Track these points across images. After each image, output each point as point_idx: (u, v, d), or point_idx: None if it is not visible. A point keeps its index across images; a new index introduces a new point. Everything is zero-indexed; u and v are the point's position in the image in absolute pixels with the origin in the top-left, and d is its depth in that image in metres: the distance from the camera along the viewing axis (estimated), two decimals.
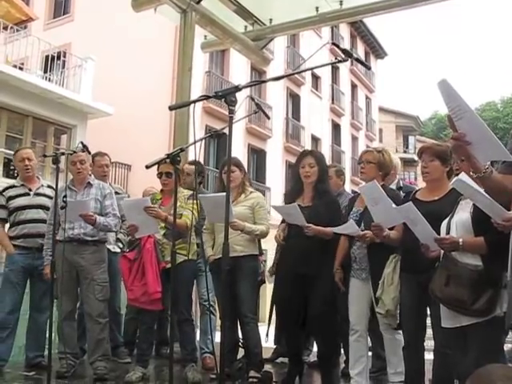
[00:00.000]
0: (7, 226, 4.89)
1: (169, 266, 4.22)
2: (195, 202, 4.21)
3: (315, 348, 4.98)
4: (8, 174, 12.64)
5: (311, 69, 2.71)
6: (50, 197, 4.86)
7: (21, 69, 13.56)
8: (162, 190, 4.56)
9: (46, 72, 14.51)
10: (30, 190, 4.87)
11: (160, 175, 4.42)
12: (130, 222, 4.29)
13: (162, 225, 4.34)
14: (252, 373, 4.33)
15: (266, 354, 4.68)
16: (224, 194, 4.11)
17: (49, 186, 4.98)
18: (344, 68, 28.70)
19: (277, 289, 4.37)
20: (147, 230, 4.26)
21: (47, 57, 14.76)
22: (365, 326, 3.93)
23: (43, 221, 4.73)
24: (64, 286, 4.44)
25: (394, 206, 3.38)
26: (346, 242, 4.00)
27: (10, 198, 4.83)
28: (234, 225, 4.14)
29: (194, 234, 4.45)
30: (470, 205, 2.90)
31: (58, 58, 14.89)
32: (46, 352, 4.63)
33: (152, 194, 4.71)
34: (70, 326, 4.59)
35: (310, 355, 5.22)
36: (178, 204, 4.01)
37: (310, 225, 3.98)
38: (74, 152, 3.84)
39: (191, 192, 4.45)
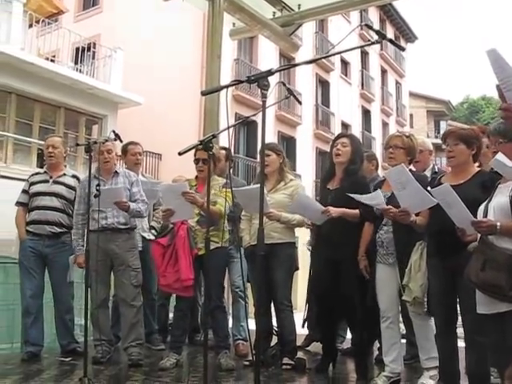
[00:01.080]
0: None
1: (201, 252, 4.25)
2: (228, 189, 4.20)
3: (349, 335, 4.97)
4: (42, 164, 12.81)
5: (342, 52, 2.66)
6: (69, 186, 4.94)
7: (52, 61, 13.74)
8: (196, 177, 4.56)
9: (76, 63, 14.67)
10: (51, 177, 4.95)
11: (197, 161, 4.41)
12: (166, 206, 4.31)
13: (196, 211, 4.34)
14: (285, 360, 4.34)
15: (299, 341, 4.67)
16: (257, 186, 4.13)
17: (73, 176, 5.06)
18: (374, 53, 28.32)
19: (311, 275, 4.35)
20: (182, 215, 4.26)
21: (77, 48, 14.90)
22: (396, 312, 3.87)
23: (55, 209, 4.82)
24: (98, 275, 4.51)
25: (427, 189, 3.32)
26: (370, 228, 3.93)
27: (32, 183, 4.95)
28: (269, 215, 4.13)
29: (227, 221, 4.46)
30: (509, 189, 2.84)
31: (88, 49, 15.03)
32: (80, 339, 4.77)
33: (187, 181, 4.73)
34: (104, 313, 4.67)
35: (344, 342, 5.20)
36: (213, 192, 4.02)
37: (328, 208, 3.96)
38: (107, 141, 3.88)
39: (225, 180, 4.45)
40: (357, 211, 3.97)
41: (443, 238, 3.21)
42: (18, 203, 4.97)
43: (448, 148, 3.44)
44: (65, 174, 5.01)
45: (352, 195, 3.75)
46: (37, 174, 5.11)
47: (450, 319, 3.41)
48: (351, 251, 3.97)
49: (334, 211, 3.98)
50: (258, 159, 4.63)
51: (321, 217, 4.06)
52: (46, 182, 4.93)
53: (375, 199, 3.70)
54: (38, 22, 13.30)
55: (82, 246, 4.48)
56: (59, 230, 4.84)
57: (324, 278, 4.11)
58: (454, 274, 3.14)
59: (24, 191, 4.97)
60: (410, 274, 3.56)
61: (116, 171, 4.74)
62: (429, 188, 3.33)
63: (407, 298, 3.56)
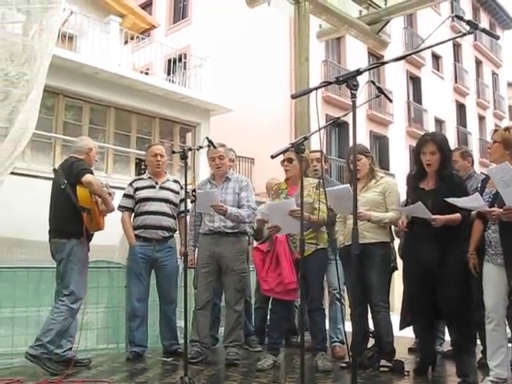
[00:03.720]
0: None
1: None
2: (322, 191, 4.17)
3: (448, 337, 4.81)
4: (139, 173, 13.41)
5: (433, 46, 2.59)
6: (174, 191, 5.09)
7: (146, 74, 14.37)
8: (286, 180, 4.59)
9: (169, 74, 15.25)
10: (157, 183, 5.10)
11: (282, 162, 4.45)
12: (271, 223, 4.35)
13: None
14: (383, 362, 4.29)
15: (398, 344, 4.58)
16: (347, 185, 4.11)
17: (175, 181, 5.20)
18: (467, 44, 27.16)
19: (406, 278, 4.24)
20: (289, 229, 4.28)
21: (169, 60, 15.49)
22: (502, 313, 3.69)
23: (165, 214, 4.96)
24: (203, 277, 4.65)
25: None
26: (480, 226, 3.77)
27: (138, 189, 5.09)
28: (359, 215, 4.08)
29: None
30: None
31: (180, 60, 15.55)
32: (180, 340, 4.93)
33: (276, 185, 4.78)
34: (205, 315, 4.77)
35: (443, 344, 5.04)
36: (306, 193, 4.03)
37: (437, 216, 3.82)
38: (201, 147, 4.00)
39: (317, 181, 4.45)
40: (458, 215, 3.84)
41: None
42: (123, 208, 5.09)
43: None
44: (168, 180, 5.17)
45: (450, 200, 3.64)
46: (140, 179, 5.24)
47: None
48: (452, 251, 3.85)
49: (440, 219, 3.83)
50: (348, 160, 4.52)
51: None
52: (153, 187, 5.07)
53: (474, 202, 3.58)
54: (132, 38, 13.96)
55: (193, 246, 4.61)
56: (168, 234, 5.00)
57: (422, 278, 4.00)
58: None
59: (128, 196, 5.11)
60: None
61: (227, 176, 4.83)
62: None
63: None
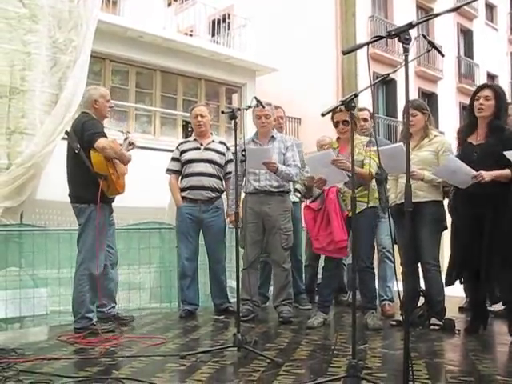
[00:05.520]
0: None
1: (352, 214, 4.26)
2: (374, 148, 4.12)
3: None
4: (187, 135, 13.53)
5: None
6: (220, 152, 5.10)
7: (191, 35, 14.33)
8: (338, 138, 4.53)
9: (213, 36, 15.16)
10: (201, 144, 5.13)
11: (336, 124, 4.36)
12: (316, 176, 4.31)
13: None
14: (433, 320, 4.29)
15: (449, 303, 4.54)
16: (400, 144, 4.03)
17: (221, 142, 5.20)
18: None
19: (455, 234, 4.16)
20: (336, 180, 4.23)
21: (213, 21, 15.35)
22: None
23: (210, 175, 4.99)
24: (250, 237, 4.71)
25: None
26: None
27: (183, 151, 5.13)
28: (412, 174, 4.00)
29: (375, 181, 4.41)
30: None
31: (223, 20, 15.42)
32: (232, 299, 5.04)
33: (329, 144, 4.74)
34: (253, 274, 4.84)
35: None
36: (357, 151, 3.98)
37: (480, 172, 3.73)
38: (249, 107, 3.97)
39: (368, 138, 4.39)
40: (508, 171, 3.73)
41: None
42: (170, 171, 5.16)
43: None
44: (213, 141, 5.18)
45: (506, 153, 3.52)
46: (186, 142, 5.29)
47: None
48: (502, 203, 3.76)
49: (488, 175, 3.73)
50: (401, 118, 4.43)
51: (468, 181, 3.84)
52: (198, 149, 5.10)
53: None
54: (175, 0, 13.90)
55: (237, 205, 4.65)
56: (214, 194, 5.03)
57: (470, 236, 3.93)
58: None
59: (174, 159, 5.17)
60: None
61: (273, 136, 4.82)
62: None
63: None
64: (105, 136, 4.23)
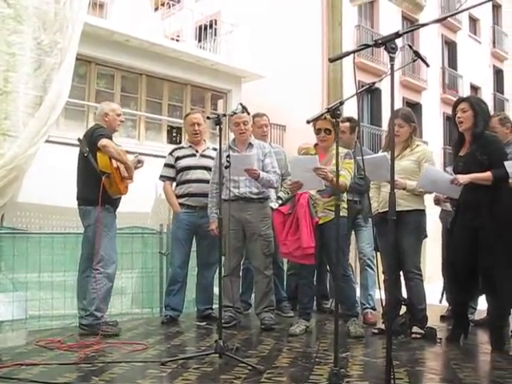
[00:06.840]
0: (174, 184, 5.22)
1: (321, 222, 4.27)
2: (351, 161, 4.15)
3: (480, 307, 4.80)
4: (171, 140, 13.52)
5: (472, 7, 2.51)
6: (214, 158, 5.07)
7: (177, 41, 14.30)
8: (315, 145, 4.53)
9: (199, 41, 15.15)
10: (197, 151, 5.14)
11: (318, 131, 4.36)
12: (294, 179, 4.30)
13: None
14: (415, 329, 4.30)
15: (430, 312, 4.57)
16: (384, 154, 4.06)
17: (214, 149, 5.19)
18: (508, 5, 26.12)
19: (450, 244, 4.20)
20: (311, 186, 4.24)
21: (200, 27, 15.35)
22: None
23: (207, 181, 4.96)
24: (231, 243, 4.68)
25: None
26: None
27: (178, 158, 5.13)
28: (395, 183, 4.01)
29: (354, 193, 4.43)
30: None
31: (210, 26, 15.41)
32: (214, 305, 5.02)
33: (305, 149, 4.75)
34: (235, 281, 4.82)
35: (475, 313, 5.01)
36: (334, 161, 3.97)
37: (456, 176, 3.81)
38: (235, 113, 3.98)
39: (346, 150, 4.41)
40: (488, 173, 3.78)
41: None
42: (165, 177, 5.17)
43: None
44: (208, 148, 5.20)
45: (506, 163, 3.59)
46: (180, 148, 5.27)
47: None
48: (492, 216, 3.79)
49: (463, 178, 3.81)
50: (385, 127, 4.47)
51: (455, 188, 3.90)
52: (194, 155, 5.12)
53: None
54: (162, 4, 13.88)
55: (216, 213, 4.56)
56: None
57: (461, 246, 3.96)
58: None
59: (169, 165, 5.16)
60: None
61: (250, 142, 4.82)
62: None
63: None
64: (109, 138, 4.44)
